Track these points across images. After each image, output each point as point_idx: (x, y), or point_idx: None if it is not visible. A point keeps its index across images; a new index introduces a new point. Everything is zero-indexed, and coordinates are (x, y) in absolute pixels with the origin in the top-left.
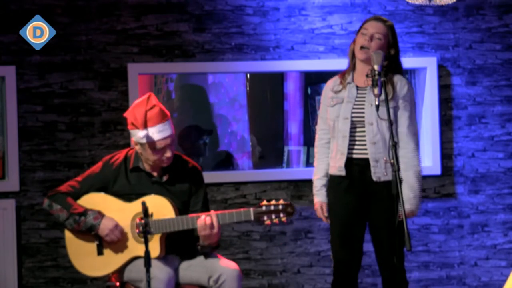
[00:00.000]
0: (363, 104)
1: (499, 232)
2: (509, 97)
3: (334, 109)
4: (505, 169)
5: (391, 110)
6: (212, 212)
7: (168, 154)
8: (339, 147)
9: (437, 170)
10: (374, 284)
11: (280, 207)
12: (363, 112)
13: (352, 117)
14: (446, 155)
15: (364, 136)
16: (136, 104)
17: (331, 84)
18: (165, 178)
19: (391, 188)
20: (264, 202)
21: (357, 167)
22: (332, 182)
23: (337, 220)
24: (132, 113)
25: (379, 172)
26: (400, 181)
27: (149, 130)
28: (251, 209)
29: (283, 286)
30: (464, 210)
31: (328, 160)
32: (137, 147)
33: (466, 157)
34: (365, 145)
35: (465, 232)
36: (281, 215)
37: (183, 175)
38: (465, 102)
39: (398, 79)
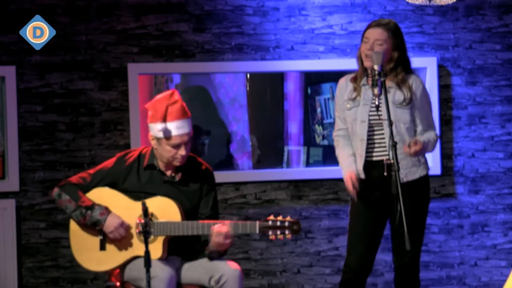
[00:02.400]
0: (380, 106)
1: (499, 232)
2: (509, 97)
3: (351, 113)
4: (505, 169)
5: (409, 111)
6: (227, 222)
7: (183, 152)
8: (357, 150)
9: (437, 170)
10: (374, 284)
11: (287, 224)
12: (381, 114)
13: (369, 119)
14: (446, 155)
15: (382, 138)
16: (159, 98)
17: (344, 84)
18: (177, 178)
19: (413, 188)
20: (271, 217)
21: (377, 169)
22: None
23: (357, 223)
24: (153, 106)
25: (402, 173)
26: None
27: (168, 124)
28: (257, 223)
29: (283, 286)
30: (464, 210)
31: (351, 147)
32: (153, 142)
33: (466, 157)
34: (384, 147)
35: (465, 232)
36: (287, 231)
37: (195, 176)
38: (465, 102)
39: (412, 80)
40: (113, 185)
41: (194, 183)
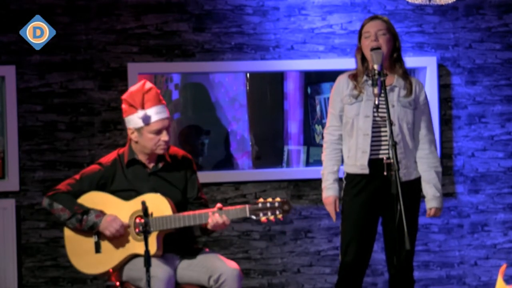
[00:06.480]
0: (380, 106)
1: (499, 232)
2: (509, 97)
3: (352, 107)
4: (505, 169)
5: (411, 112)
6: (214, 210)
7: (165, 137)
8: (359, 145)
9: None
10: (374, 283)
11: (276, 204)
12: (384, 112)
13: (374, 115)
14: (446, 154)
15: (385, 135)
16: (133, 89)
17: (345, 81)
18: (160, 165)
19: (415, 188)
20: (261, 200)
21: (376, 166)
22: (350, 181)
23: (353, 222)
24: (130, 96)
25: (402, 172)
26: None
27: (147, 111)
28: (247, 206)
29: (283, 286)
30: (464, 210)
31: (339, 157)
32: (134, 135)
33: (466, 156)
34: (386, 145)
35: (465, 232)
36: (277, 212)
37: (176, 163)
38: (465, 101)
39: (415, 82)
40: (101, 188)
41: (177, 170)
